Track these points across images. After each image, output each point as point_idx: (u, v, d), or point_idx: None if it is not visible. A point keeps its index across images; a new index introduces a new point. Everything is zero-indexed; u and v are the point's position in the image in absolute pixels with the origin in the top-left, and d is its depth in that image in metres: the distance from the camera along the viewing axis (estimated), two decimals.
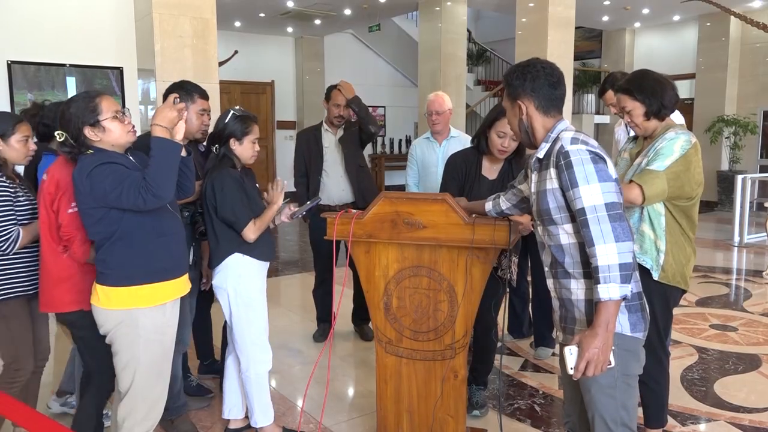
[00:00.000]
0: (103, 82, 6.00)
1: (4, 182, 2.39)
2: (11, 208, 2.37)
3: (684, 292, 2.48)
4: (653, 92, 2.33)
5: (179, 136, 2.08)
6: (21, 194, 2.45)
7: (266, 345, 2.73)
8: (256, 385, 2.71)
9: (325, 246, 3.85)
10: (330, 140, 4.12)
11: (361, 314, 4.26)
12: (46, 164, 2.69)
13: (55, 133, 2.11)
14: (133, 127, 2.17)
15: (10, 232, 2.33)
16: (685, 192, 2.31)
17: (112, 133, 2.09)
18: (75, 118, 2.05)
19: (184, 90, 2.87)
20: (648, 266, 2.36)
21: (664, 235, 2.35)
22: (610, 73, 3.65)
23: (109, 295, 2.09)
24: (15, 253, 2.39)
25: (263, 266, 2.72)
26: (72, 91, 5.82)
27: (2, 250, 2.33)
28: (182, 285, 2.26)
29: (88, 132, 2.06)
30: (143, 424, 2.20)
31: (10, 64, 5.81)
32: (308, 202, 2.93)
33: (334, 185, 4.04)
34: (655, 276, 2.35)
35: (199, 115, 2.87)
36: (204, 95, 2.92)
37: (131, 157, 2.17)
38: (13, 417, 1.44)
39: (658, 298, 2.37)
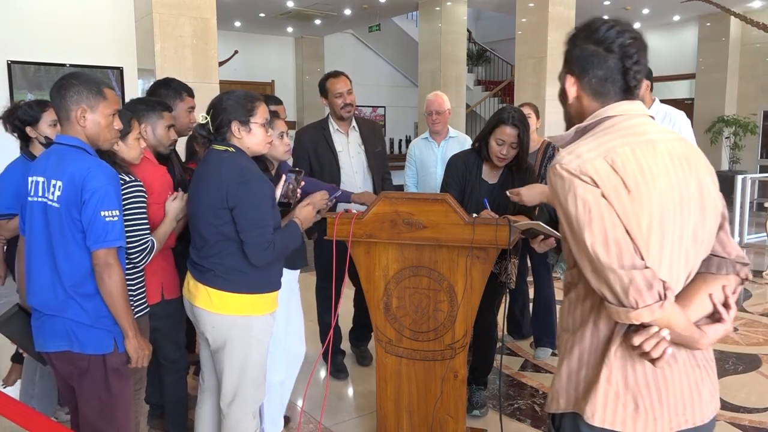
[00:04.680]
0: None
1: (139, 184, 2.17)
2: (145, 213, 2.17)
3: None
4: None
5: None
6: None
7: (280, 354, 2.65)
8: (270, 393, 2.64)
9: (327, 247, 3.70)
10: (342, 142, 3.46)
11: (359, 333, 3.84)
12: (16, 167, 2.66)
13: (200, 114, 2.16)
14: (271, 142, 2.28)
15: (147, 241, 2.14)
16: None
17: (255, 137, 2.15)
18: (231, 109, 2.11)
19: (172, 88, 2.88)
20: None
21: None
22: None
23: (224, 300, 2.11)
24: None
25: (289, 274, 2.63)
26: None
27: (136, 262, 2.14)
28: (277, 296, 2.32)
29: (234, 126, 2.11)
30: (252, 423, 2.26)
31: (10, 64, 5.81)
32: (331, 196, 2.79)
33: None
34: None
35: (188, 112, 2.88)
36: (191, 93, 2.94)
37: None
38: (13, 417, 1.44)
39: None
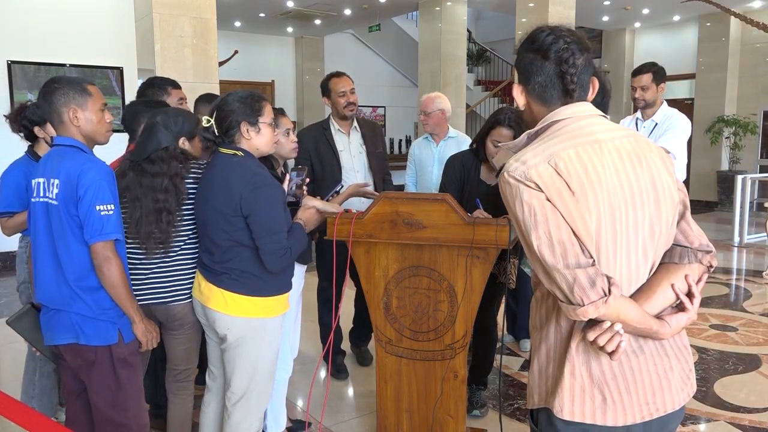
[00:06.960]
0: (103, 82, 6.00)
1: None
2: None
3: None
4: None
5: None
6: None
7: (287, 351, 2.68)
8: (275, 390, 2.65)
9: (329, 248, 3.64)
10: (343, 142, 3.47)
11: (359, 333, 3.83)
12: (19, 166, 2.66)
13: (203, 117, 2.14)
14: (277, 141, 2.28)
15: None
16: None
17: (263, 138, 2.15)
18: (239, 111, 2.10)
19: (156, 86, 2.90)
20: None
21: None
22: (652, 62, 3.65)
23: (239, 303, 2.12)
24: (189, 252, 2.28)
25: (297, 268, 2.63)
26: None
27: None
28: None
29: (244, 128, 2.10)
30: (255, 424, 2.26)
31: (10, 64, 5.81)
32: (332, 191, 2.79)
33: (355, 199, 3.21)
34: None
35: (179, 104, 2.89)
36: (176, 85, 2.94)
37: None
38: (13, 417, 1.44)
39: None
